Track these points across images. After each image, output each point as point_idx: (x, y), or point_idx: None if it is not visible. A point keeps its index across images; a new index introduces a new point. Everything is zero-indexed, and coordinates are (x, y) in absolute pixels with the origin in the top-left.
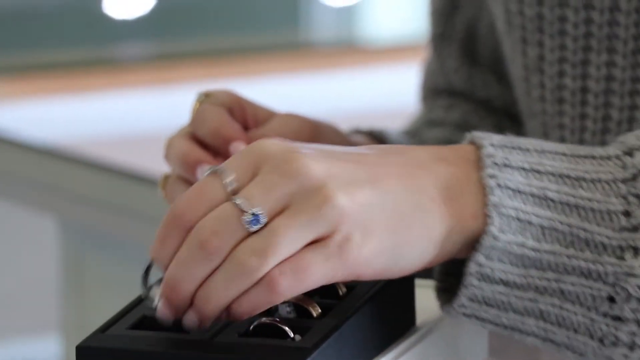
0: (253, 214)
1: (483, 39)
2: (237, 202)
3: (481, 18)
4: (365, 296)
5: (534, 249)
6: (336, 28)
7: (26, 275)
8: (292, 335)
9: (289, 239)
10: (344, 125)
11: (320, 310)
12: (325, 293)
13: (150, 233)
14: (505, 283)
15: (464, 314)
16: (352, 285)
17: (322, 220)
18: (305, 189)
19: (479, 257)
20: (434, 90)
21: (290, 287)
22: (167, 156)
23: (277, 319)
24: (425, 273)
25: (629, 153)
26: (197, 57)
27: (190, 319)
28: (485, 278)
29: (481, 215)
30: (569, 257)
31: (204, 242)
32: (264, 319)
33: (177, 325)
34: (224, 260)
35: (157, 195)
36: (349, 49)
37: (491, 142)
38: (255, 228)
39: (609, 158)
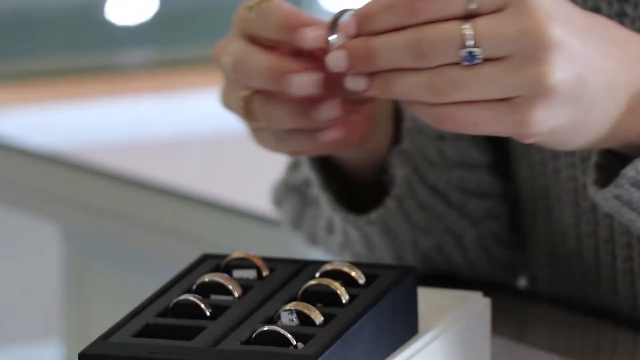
0: (470, 52)
1: None
2: (465, 32)
3: None
4: (368, 304)
5: None
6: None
7: (29, 282)
8: (294, 343)
9: (489, 89)
10: None
11: (322, 318)
12: (328, 301)
13: (152, 240)
14: None
15: (605, 205)
16: (355, 294)
17: (530, 89)
18: (533, 53)
19: (639, 165)
20: None
21: (456, 129)
22: (242, 74)
23: (280, 327)
24: (427, 282)
25: None
26: (199, 63)
27: (358, 83)
28: (637, 185)
29: None
30: None
31: (419, 46)
32: (266, 327)
33: (179, 333)
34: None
35: (161, 202)
36: None
37: None
38: (465, 64)
39: None
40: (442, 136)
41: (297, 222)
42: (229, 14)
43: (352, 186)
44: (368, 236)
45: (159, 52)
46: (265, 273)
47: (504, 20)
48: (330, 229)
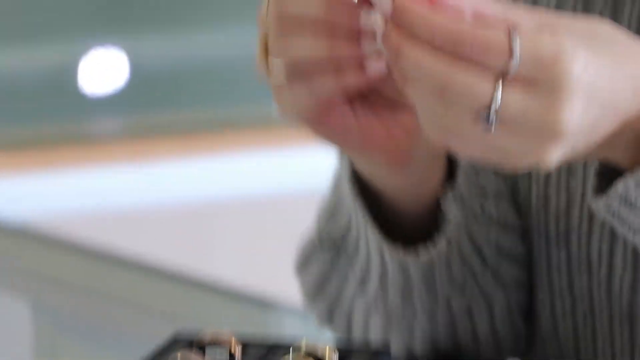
0: (490, 116)
1: None
2: (494, 94)
3: None
4: None
5: None
6: None
7: None
8: None
9: (496, 149)
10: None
11: None
12: None
13: (124, 315)
14: None
15: (607, 212)
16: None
17: (523, 160)
18: (543, 139)
19: (629, 182)
20: None
21: (450, 149)
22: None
23: None
24: None
25: None
26: (172, 132)
27: (377, 68)
28: (626, 201)
29: None
30: None
31: (445, 86)
32: None
33: None
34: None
35: (132, 277)
36: None
37: None
38: (482, 121)
39: None
40: (484, 193)
41: (320, 286)
42: (201, 82)
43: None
44: (408, 279)
45: (131, 121)
46: (238, 352)
47: (532, 99)
48: (364, 279)
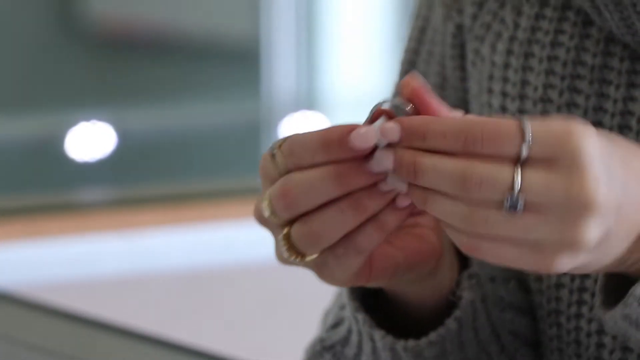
0: (514, 201)
1: None
2: (515, 180)
3: None
4: None
5: None
6: None
7: None
8: None
9: (520, 236)
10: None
11: None
12: None
13: None
14: None
15: (613, 327)
16: None
17: (561, 243)
18: (573, 215)
19: None
20: None
21: (484, 257)
22: (287, 197)
23: None
24: None
25: None
26: (157, 201)
27: (398, 184)
28: None
29: None
30: None
31: (466, 180)
32: None
33: None
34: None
35: (120, 345)
36: None
37: None
38: (505, 211)
39: None
40: (492, 278)
41: None
42: (188, 153)
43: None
44: None
45: (117, 190)
46: None
47: (553, 177)
48: None
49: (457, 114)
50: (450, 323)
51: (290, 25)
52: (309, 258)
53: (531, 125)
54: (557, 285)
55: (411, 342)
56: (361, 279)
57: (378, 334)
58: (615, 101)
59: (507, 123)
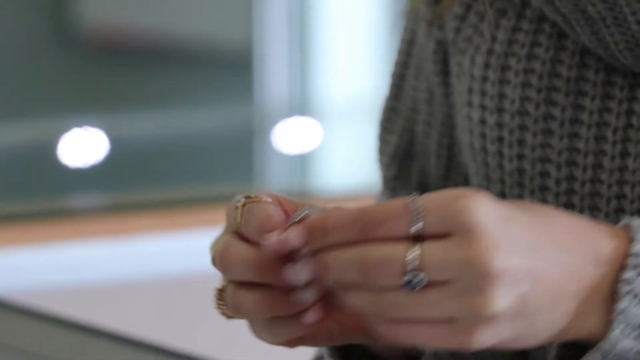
0: (413, 279)
1: (433, 188)
2: (410, 256)
3: (429, 168)
4: None
5: None
6: (289, 178)
7: None
8: None
9: (431, 313)
10: None
11: None
12: None
13: None
14: None
15: None
16: None
17: (472, 316)
18: (475, 282)
19: (596, 356)
20: None
21: (405, 340)
22: (223, 264)
23: None
24: None
25: None
26: (150, 207)
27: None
28: None
29: (605, 321)
30: None
31: (363, 266)
32: None
33: None
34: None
35: (112, 350)
36: (303, 198)
37: None
38: (407, 289)
39: None
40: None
41: None
42: (180, 158)
43: None
44: None
45: (110, 195)
46: None
47: (449, 247)
48: None
49: None
50: None
51: (283, 31)
52: (235, 318)
53: (422, 201)
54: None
55: None
56: (292, 344)
57: None
58: (591, 112)
59: (396, 204)
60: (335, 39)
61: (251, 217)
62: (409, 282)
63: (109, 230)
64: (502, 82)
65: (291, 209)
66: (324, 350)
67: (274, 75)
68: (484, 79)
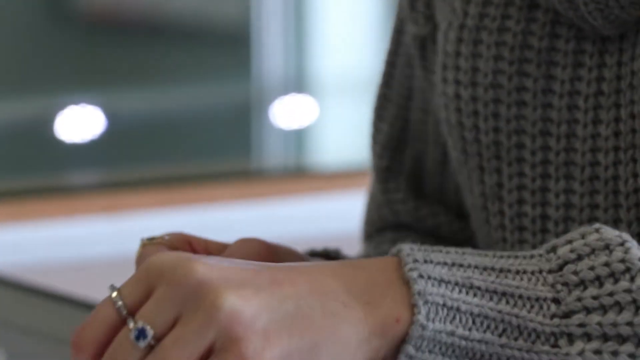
0: (137, 329)
1: (430, 173)
2: (129, 324)
3: (427, 153)
4: None
5: (464, 338)
6: (286, 154)
7: None
8: None
9: (181, 352)
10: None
11: None
12: None
13: None
14: None
15: None
16: None
17: (212, 325)
18: (193, 295)
19: (409, 349)
20: (379, 226)
21: None
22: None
23: None
24: None
25: (552, 250)
26: (146, 184)
27: None
28: None
29: (406, 315)
30: (501, 346)
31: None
32: None
33: None
34: None
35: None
36: (299, 175)
37: (410, 246)
38: (143, 344)
39: (532, 257)
40: None
41: None
42: (178, 135)
43: None
44: None
45: (106, 172)
46: None
47: (159, 291)
48: None
49: None
50: None
51: (280, 8)
52: None
53: (116, 291)
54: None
55: None
56: None
57: None
58: (562, 82)
59: (97, 309)
60: (332, 16)
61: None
62: (138, 337)
63: (105, 207)
64: (475, 56)
65: (201, 248)
66: None
67: (270, 51)
68: (457, 54)
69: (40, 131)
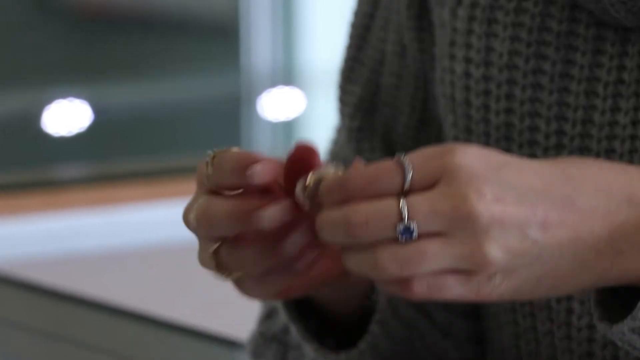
0: (407, 228)
1: (401, 140)
2: (401, 207)
3: (399, 120)
4: None
5: None
6: (274, 146)
7: None
8: None
9: (433, 264)
10: None
11: None
12: None
13: None
14: None
15: (620, 340)
16: None
17: (469, 262)
18: (467, 229)
19: (630, 322)
20: None
21: (422, 296)
22: (206, 225)
23: None
24: None
25: None
26: (134, 177)
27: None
28: None
29: None
30: None
31: (351, 224)
32: None
33: None
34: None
35: (99, 322)
36: None
37: None
38: (403, 240)
39: None
40: None
41: None
42: (165, 128)
43: (331, 320)
44: None
45: (95, 166)
46: None
47: (436, 196)
48: None
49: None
50: (374, 328)
51: (268, 0)
52: (234, 276)
53: (409, 158)
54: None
55: (342, 356)
56: (279, 297)
57: (311, 347)
58: (581, 67)
59: (385, 163)
60: (319, 8)
61: (225, 163)
62: (404, 231)
63: (93, 200)
64: (489, 35)
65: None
66: (278, 305)
67: (259, 44)
68: (469, 31)
69: (27, 125)
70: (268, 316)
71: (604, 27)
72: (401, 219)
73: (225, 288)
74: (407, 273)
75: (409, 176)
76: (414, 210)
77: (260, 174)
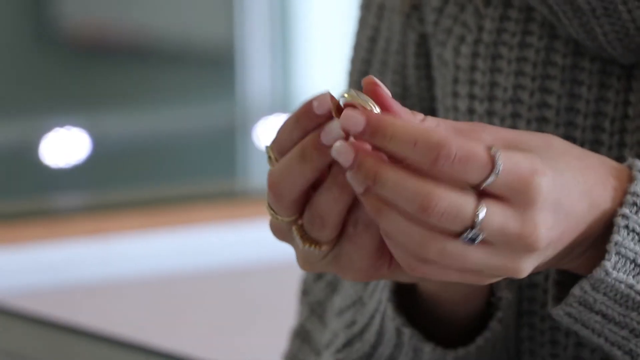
0: (474, 236)
1: None
2: (480, 214)
3: None
4: None
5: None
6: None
7: None
8: None
9: (469, 265)
10: (280, 275)
11: None
12: None
13: None
14: (604, 315)
15: (562, 319)
16: None
17: (501, 274)
18: (520, 252)
19: (585, 285)
20: None
21: (429, 277)
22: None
23: None
24: None
25: None
26: (132, 206)
27: (356, 185)
28: (585, 304)
29: (599, 255)
30: None
31: (429, 208)
32: None
33: None
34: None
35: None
36: None
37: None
38: (464, 241)
39: None
40: None
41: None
42: (162, 157)
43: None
44: None
45: (92, 195)
46: None
47: (510, 216)
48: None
49: (418, 117)
50: (495, 325)
51: (265, 29)
52: (324, 246)
53: (502, 157)
54: (529, 285)
55: (461, 351)
56: (381, 268)
57: (427, 347)
58: (587, 102)
59: (480, 149)
60: (316, 36)
61: (281, 126)
62: (467, 238)
63: (91, 229)
64: (494, 70)
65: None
66: (373, 323)
67: (255, 72)
68: (473, 68)
69: (25, 154)
70: (347, 344)
71: (609, 62)
72: (473, 224)
73: (222, 318)
74: (443, 263)
75: (494, 177)
76: (487, 220)
77: (319, 108)
